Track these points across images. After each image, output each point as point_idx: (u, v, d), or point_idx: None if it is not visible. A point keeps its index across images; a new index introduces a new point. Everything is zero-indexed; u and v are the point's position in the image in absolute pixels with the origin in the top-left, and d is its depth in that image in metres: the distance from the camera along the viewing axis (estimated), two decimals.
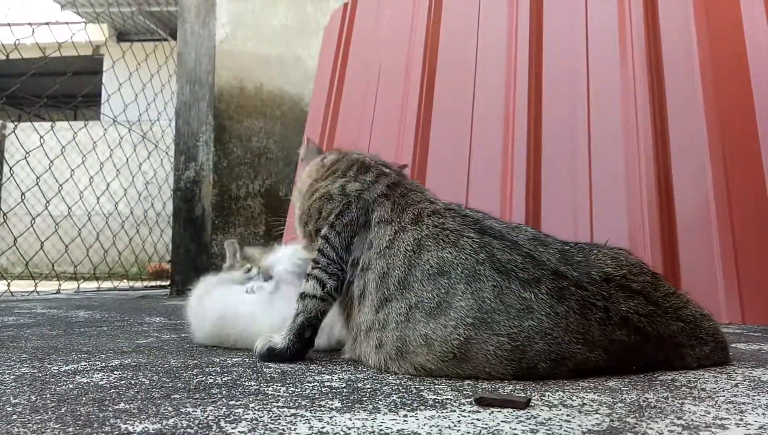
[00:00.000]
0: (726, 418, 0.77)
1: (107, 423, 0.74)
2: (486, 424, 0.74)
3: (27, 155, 3.74)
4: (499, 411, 0.81)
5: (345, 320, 1.23)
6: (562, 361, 1.00)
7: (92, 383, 0.99)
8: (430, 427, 0.73)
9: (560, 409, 0.81)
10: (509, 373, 1.00)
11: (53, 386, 0.97)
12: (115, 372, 1.09)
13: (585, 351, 1.01)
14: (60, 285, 4.25)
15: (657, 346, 1.06)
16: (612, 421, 0.75)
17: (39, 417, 0.77)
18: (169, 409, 0.81)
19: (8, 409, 0.82)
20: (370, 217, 1.23)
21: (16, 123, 5.19)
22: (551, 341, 1.00)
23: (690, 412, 0.79)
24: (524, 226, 1.22)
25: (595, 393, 0.91)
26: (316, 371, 1.11)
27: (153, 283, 5.19)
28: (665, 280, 1.17)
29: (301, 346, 1.21)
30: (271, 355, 1.21)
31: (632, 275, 1.10)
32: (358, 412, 0.80)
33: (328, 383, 0.99)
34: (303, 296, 1.22)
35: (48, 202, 3.94)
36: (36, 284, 3.98)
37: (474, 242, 1.10)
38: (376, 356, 1.11)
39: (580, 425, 0.73)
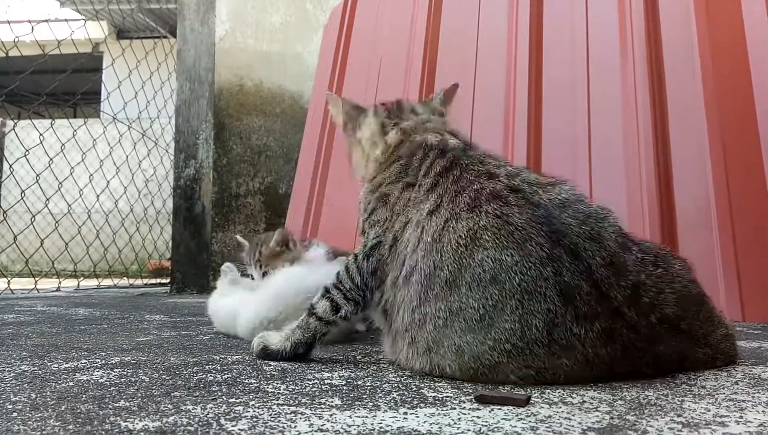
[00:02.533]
0: (726, 416, 0.77)
1: (107, 420, 0.74)
2: (486, 422, 0.74)
3: (27, 153, 3.73)
4: (499, 408, 0.81)
5: (387, 326, 1.13)
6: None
7: (92, 381, 0.99)
8: (430, 424, 0.73)
9: (560, 407, 0.81)
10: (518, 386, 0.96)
11: (53, 384, 0.97)
12: (115, 369, 1.09)
13: (605, 378, 0.96)
14: (60, 283, 4.25)
15: (676, 367, 1.03)
16: (612, 418, 0.75)
17: (39, 414, 0.77)
18: (169, 406, 0.81)
19: (8, 406, 0.82)
20: (416, 216, 1.08)
21: (15, 120, 5.18)
22: (577, 379, 0.94)
23: (690, 410, 0.79)
24: (610, 223, 1.00)
25: (595, 390, 0.91)
26: (317, 369, 1.11)
27: (153, 281, 5.19)
28: (708, 300, 1.10)
29: (293, 356, 1.16)
30: (265, 354, 1.19)
31: (686, 313, 1.00)
32: (358, 409, 0.80)
33: (329, 381, 0.99)
34: (311, 313, 1.15)
35: (48, 199, 3.94)
36: (36, 282, 3.98)
37: (543, 251, 0.94)
38: (407, 351, 1.04)
39: (580, 423, 0.73)
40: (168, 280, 4.38)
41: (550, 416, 0.76)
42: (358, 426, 0.72)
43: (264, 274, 1.77)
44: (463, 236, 0.98)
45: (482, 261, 0.95)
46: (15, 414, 0.78)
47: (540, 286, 0.92)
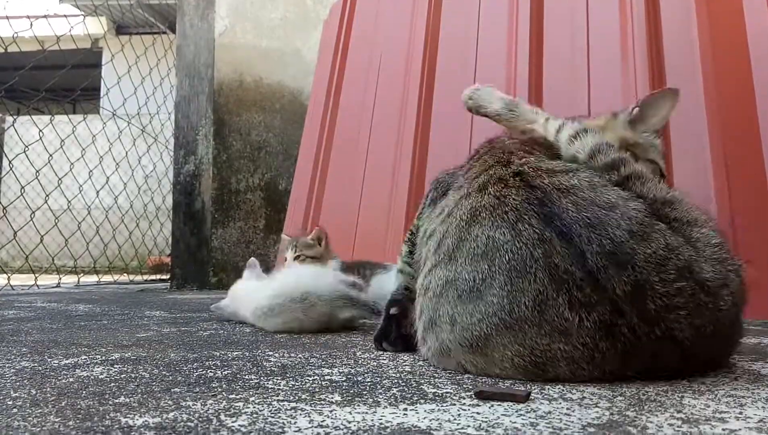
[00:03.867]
0: (726, 412, 0.77)
1: (107, 416, 0.74)
2: (486, 418, 0.74)
3: (26, 149, 3.73)
4: (499, 404, 0.81)
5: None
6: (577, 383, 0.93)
7: (92, 377, 0.99)
8: (430, 420, 0.73)
9: (560, 403, 0.81)
10: (521, 379, 0.95)
11: (53, 380, 0.97)
12: (116, 365, 1.09)
13: (602, 377, 0.93)
14: (60, 279, 4.25)
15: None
16: (612, 414, 0.75)
17: (39, 410, 0.77)
18: (170, 402, 0.81)
19: (8, 402, 0.82)
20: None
21: (15, 116, 5.18)
22: (575, 368, 0.91)
23: (690, 406, 0.79)
24: (627, 211, 0.95)
25: (594, 386, 0.91)
26: (316, 365, 1.11)
27: (153, 277, 5.20)
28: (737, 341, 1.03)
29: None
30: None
31: (698, 344, 0.92)
32: (358, 405, 0.80)
33: (328, 377, 0.99)
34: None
35: (47, 195, 3.94)
36: (36, 278, 3.98)
37: (534, 232, 0.95)
38: (419, 324, 1.09)
39: (580, 419, 0.73)
40: (168, 276, 4.39)
41: (549, 412, 0.77)
42: (358, 422, 0.72)
43: (296, 258, 2.10)
44: (467, 212, 1.04)
45: (477, 236, 0.99)
46: (15, 410, 0.78)
47: (530, 266, 0.92)
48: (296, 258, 2.09)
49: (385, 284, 2.07)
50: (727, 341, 1.01)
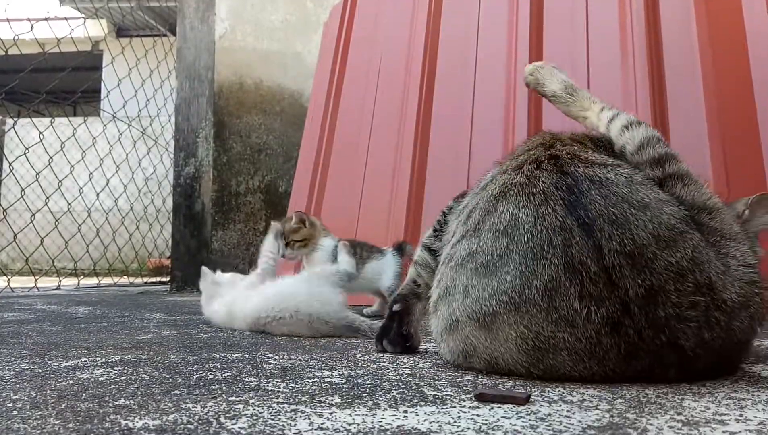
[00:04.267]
0: (726, 414, 0.77)
1: (107, 419, 0.74)
2: (486, 420, 0.74)
3: (26, 151, 3.73)
4: (499, 407, 0.81)
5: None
6: (575, 375, 0.93)
7: (92, 379, 0.99)
8: (430, 422, 0.73)
9: (560, 405, 0.81)
10: (520, 364, 0.95)
11: (53, 382, 0.97)
12: (116, 368, 1.09)
13: (602, 374, 0.92)
14: (60, 281, 4.25)
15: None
16: (612, 416, 0.75)
17: (39, 413, 0.77)
18: (170, 404, 0.81)
19: (8, 405, 0.82)
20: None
21: (15, 119, 5.18)
22: (576, 360, 0.91)
23: (690, 408, 0.79)
24: (659, 215, 0.93)
25: (595, 388, 0.91)
26: (317, 367, 1.11)
27: (153, 279, 5.19)
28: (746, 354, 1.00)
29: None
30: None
31: (705, 356, 0.91)
32: (358, 407, 0.80)
33: (328, 379, 0.99)
34: None
35: (48, 198, 3.94)
36: (36, 280, 3.98)
37: (556, 219, 0.94)
38: (435, 292, 1.09)
39: (580, 421, 0.73)
40: (168, 279, 4.39)
41: (550, 414, 0.76)
42: (358, 424, 0.72)
43: (287, 245, 2.12)
44: (498, 188, 1.05)
45: (502, 212, 1.00)
46: (15, 412, 0.78)
47: (547, 251, 0.92)
48: (287, 245, 2.12)
49: (380, 271, 2.10)
50: (733, 354, 0.99)
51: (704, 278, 0.91)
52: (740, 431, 0.69)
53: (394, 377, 1.01)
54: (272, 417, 0.75)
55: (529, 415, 0.76)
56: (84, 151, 4.19)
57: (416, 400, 0.84)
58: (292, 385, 0.95)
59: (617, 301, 0.90)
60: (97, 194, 4.73)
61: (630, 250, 0.91)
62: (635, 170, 1.04)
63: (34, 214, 3.76)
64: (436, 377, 1.01)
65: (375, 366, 1.12)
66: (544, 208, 0.97)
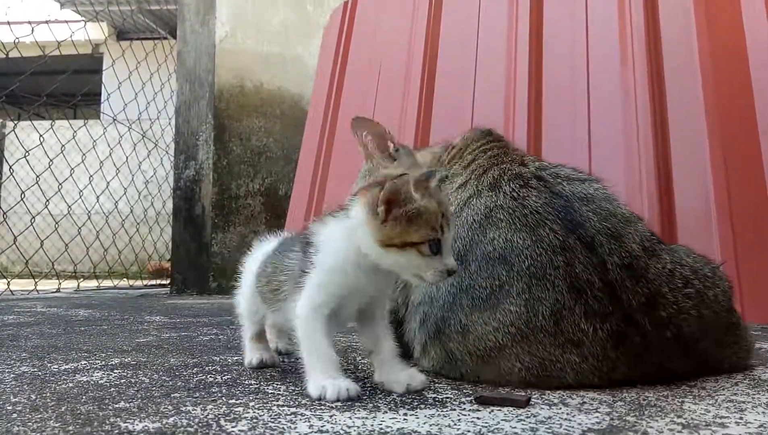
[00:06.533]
0: (726, 417, 0.77)
1: (107, 422, 0.74)
2: (486, 423, 0.74)
3: (27, 154, 3.73)
4: (499, 410, 0.81)
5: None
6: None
7: (92, 382, 0.99)
8: (431, 425, 0.73)
9: (560, 408, 0.81)
10: (524, 385, 0.93)
11: (53, 385, 0.97)
12: (115, 371, 1.09)
13: (607, 384, 0.92)
14: (60, 284, 4.24)
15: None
16: (612, 419, 0.75)
17: (39, 416, 0.77)
18: (169, 407, 0.81)
19: (8, 407, 0.82)
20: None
21: (15, 122, 5.19)
22: (582, 378, 0.91)
23: (690, 411, 0.79)
24: (638, 228, 0.96)
25: (595, 391, 0.91)
26: None
27: (153, 282, 5.19)
28: (741, 329, 1.04)
29: None
30: None
31: (707, 338, 0.96)
32: (358, 410, 0.80)
33: None
34: None
35: (48, 200, 3.94)
36: (36, 283, 3.98)
37: (557, 239, 0.92)
38: (419, 334, 1.02)
39: (580, 424, 0.73)
40: (168, 282, 4.38)
41: (550, 417, 0.76)
42: (358, 427, 0.72)
43: None
44: (479, 213, 0.99)
45: (493, 240, 0.95)
46: (15, 415, 0.78)
47: (549, 274, 0.90)
48: None
49: None
50: (722, 324, 1.00)
51: (687, 271, 0.97)
52: (740, 434, 0.69)
53: None
54: (272, 420, 0.75)
55: (529, 418, 0.76)
56: (84, 154, 4.20)
57: (416, 403, 0.84)
58: (292, 387, 0.95)
59: (620, 313, 0.90)
60: (97, 197, 4.72)
61: (628, 262, 0.93)
62: (600, 183, 1.06)
63: (34, 217, 3.76)
64: (436, 380, 1.01)
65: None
66: (541, 229, 0.94)
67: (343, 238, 0.88)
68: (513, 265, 0.92)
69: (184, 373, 1.07)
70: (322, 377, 0.86)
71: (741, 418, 0.76)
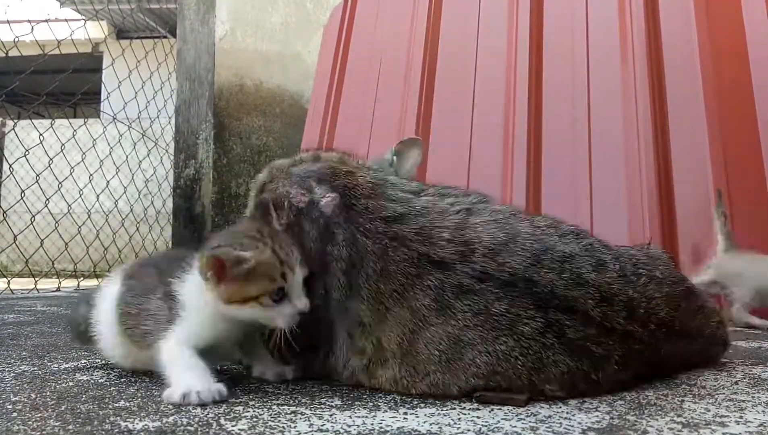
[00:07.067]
0: (726, 416, 0.77)
1: (107, 421, 0.74)
2: (486, 422, 0.74)
3: (26, 153, 3.73)
4: (499, 409, 0.81)
5: None
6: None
7: (92, 381, 0.99)
8: (431, 424, 0.73)
9: (560, 407, 0.81)
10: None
11: (53, 384, 0.97)
12: (115, 369, 1.09)
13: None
14: (60, 283, 4.24)
15: (680, 366, 1.04)
16: (612, 418, 0.75)
17: (39, 414, 0.77)
18: (169, 406, 0.81)
19: (8, 406, 0.82)
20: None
21: (15, 120, 5.18)
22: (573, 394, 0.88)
23: (690, 410, 0.79)
24: (579, 248, 0.94)
25: None
26: None
27: None
28: (695, 291, 1.08)
29: None
30: None
31: (677, 312, 0.97)
32: (358, 410, 0.80)
33: (328, 381, 0.99)
34: None
35: (48, 199, 3.93)
36: (36, 282, 3.98)
37: (537, 323, 0.86)
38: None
39: (580, 423, 0.73)
40: None
41: (550, 416, 0.76)
42: (358, 426, 0.72)
43: None
44: (445, 343, 0.87)
45: (474, 359, 0.85)
46: (15, 414, 0.78)
47: (547, 356, 0.85)
48: None
49: None
50: (683, 297, 1.02)
51: (628, 264, 0.97)
52: (740, 433, 0.69)
53: None
54: (272, 419, 0.75)
55: (529, 416, 0.76)
56: (84, 153, 4.19)
57: (416, 402, 0.84)
58: (292, 386, 0.95)
59: (619, 340, 0.89)
60: (97, 196, 4.72)
61: (598, 296, 0.90)
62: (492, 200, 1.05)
63: (34, 216, 3.76)
64: None
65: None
66: (519, 326, 0.86)
67: (199, 295, 0.89)
68: (507, 371, 0.86)
69: None
70: (187, 381, 0.84)
71: (741, 417, 0.76)
